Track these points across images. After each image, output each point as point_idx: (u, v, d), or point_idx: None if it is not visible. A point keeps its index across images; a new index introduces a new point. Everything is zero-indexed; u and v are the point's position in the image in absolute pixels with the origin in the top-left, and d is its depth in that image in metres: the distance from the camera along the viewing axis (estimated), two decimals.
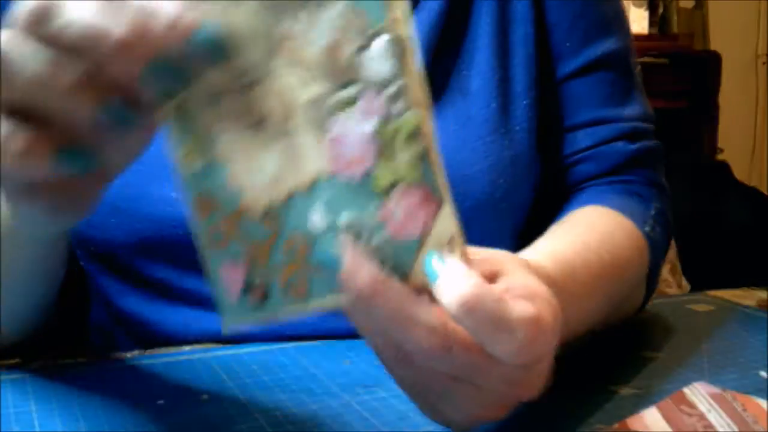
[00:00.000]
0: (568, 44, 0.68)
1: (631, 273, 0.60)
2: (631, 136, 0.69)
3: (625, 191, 0.67)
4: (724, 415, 0.50)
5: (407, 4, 0.33)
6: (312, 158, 0.35)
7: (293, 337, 0.60)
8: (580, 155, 0.68)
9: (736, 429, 0.48)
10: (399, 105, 0.33)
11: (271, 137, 0.35)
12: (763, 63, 3.11)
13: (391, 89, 0.33)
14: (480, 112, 0.64)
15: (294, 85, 0.34)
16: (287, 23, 0.34)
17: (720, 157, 2.50)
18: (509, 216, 0.65)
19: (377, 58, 0.33)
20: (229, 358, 0.57)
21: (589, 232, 0.58)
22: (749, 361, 0.59)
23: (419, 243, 0.34)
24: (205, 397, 0.51)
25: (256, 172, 0.36)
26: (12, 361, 0.57)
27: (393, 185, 0.34)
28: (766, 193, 1.93)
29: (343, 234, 0.35)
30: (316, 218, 0.35)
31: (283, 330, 0.60)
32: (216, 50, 0.34)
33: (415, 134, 0.33)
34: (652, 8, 2.68)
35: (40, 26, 0.33)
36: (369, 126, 0.33)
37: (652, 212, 0.66)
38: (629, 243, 0.61)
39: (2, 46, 0.34)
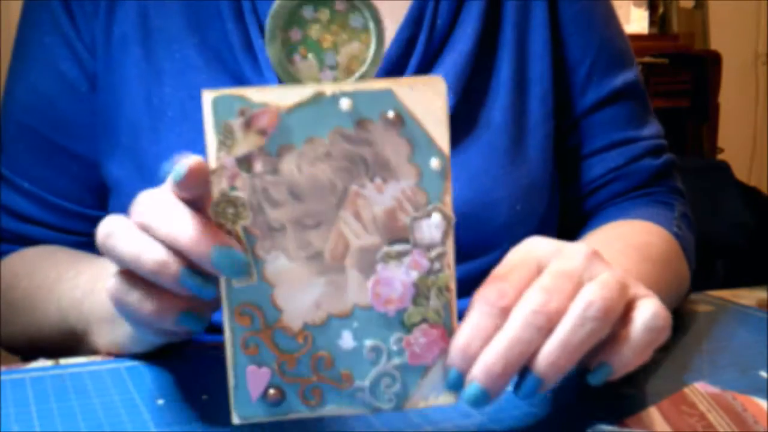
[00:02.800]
0: (592, 77, 0.75)
1: (672, 271, 0.67)
2: (654, 152, 0.77)
3: (651, 201, 0.75)
4: (724, 415, 0.50)
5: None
6: (355, 292, 0.43)
7: None
8: (612, 174, 0.75)
9: (736, 429, 0.48)
10: (438, 265, 0.43)
11: (321, 270, 0.42)
12: (763, 63, 3.11)
13: (435, 252, 0.43)
14: (501, 144, 0.70)
15: (351, 233, 0.42)
16: (359, 185, 0.42)
17: (720, 157, 2.49)
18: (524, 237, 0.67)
19: (432, 227, 0.43)
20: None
21: (628, 243, 0.65)
22: (749, 361, 0.59)
23: (425, 370, 0.44)
24: (205, 397, 0.52)
25: (299, 297, 0.42)
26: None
27: (419, 323, 0.43)
28: (766, 193, 1.93)
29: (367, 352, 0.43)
30: (346, 338, 0.43)
31: None
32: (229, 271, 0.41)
33: (445, 289, 0.43)
34: (652, 8, 2.68)
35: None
36: (412, 276, 0.43)
37: (677, 214, 0.74)
38: (665, 245, 0.68)
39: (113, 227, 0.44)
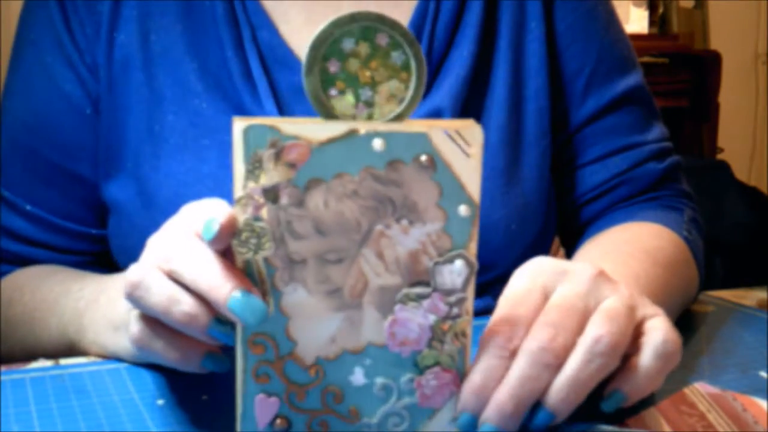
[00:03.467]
0: (591, 87, 0.74)
1: (682, 275, 0.67)
2: (658, 156, 0.76)
3: (659, 206, 0.75)
4: (724, 415, 0.50)
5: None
6: (370, 330, 0.43)
7: None
8: (616, 179, 0.74)
9: (736, 429, 0.48)
10: (456, 310, 0.43)
11: (339, 305, 0.43)
12: (763, 63, 3.11)
13: (455, 297, 0.43)
14: (496, 165, 0.69)
15: (372, 271, 0.42)
16: (385, 225, 0.42)
17: (720, 157, 2.49)
18: (521, 255, 0.69)
19: (454, 273, 0.43)
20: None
21: (639, 247, 0.64)
22: (749, 361, 0.59)
23: (433, 413, 0.44)
24: (205, 397, 0.52)
25: (314, 330, 0.42)
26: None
27: (432, 366, 0.43)
28: (766, 193, 1.93)
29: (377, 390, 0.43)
30: (358, 375, 0.43)
31: None
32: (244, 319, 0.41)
33: (461, 334, 0.43)
34: (652, 8, 2.68)
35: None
36: (429, 320, 0.43)
37: (686, 218, 0.74)
38: (674, 249, 0.68)
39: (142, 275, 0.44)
